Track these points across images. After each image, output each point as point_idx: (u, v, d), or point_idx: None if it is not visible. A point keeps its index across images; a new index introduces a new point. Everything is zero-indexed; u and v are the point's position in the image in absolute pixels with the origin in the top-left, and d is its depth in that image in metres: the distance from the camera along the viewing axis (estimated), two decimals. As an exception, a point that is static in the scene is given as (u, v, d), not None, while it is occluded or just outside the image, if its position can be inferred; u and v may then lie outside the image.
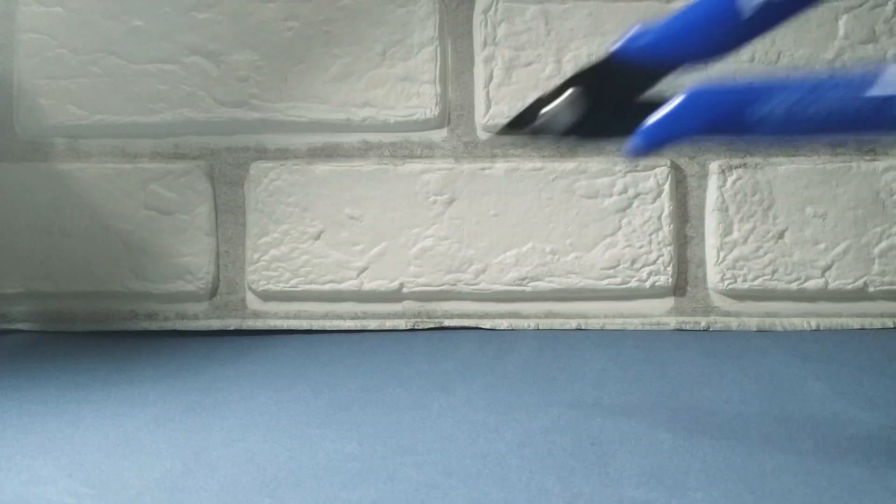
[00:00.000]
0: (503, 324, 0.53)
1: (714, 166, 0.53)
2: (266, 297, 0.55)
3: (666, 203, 0.53)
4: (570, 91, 0.24)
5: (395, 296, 0.54)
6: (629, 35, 0.24)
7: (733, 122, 0.22)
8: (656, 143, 0.23)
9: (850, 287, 0.53)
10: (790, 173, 0.53)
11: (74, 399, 0.29)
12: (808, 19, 0.53)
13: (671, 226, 0.53)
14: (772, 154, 0.53)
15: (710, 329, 0.53)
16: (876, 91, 0.22)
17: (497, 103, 0.54)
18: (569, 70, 0.53)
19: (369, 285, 0.54)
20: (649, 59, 0.23)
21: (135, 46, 0.54)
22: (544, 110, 0.24)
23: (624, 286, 0.53)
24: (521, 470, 0.26)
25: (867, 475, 0.25)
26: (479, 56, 0.54)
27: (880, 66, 0.21)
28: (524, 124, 0.24)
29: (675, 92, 0.23)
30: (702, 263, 0.54)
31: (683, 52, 0.23)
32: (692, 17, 0.23)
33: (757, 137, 0.22)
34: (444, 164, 0.54)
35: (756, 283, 0.53)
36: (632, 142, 0.23)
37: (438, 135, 0.54)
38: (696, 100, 0.23)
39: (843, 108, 0.22)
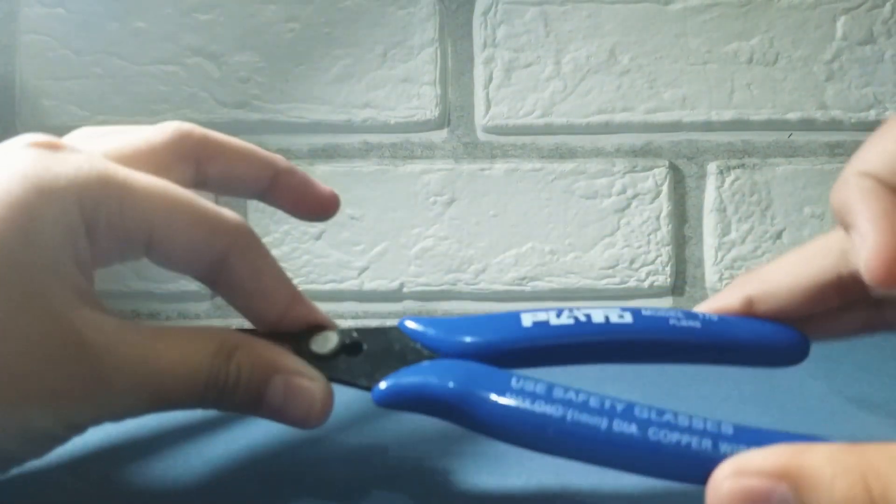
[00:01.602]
0: (503, 323, 0.54)
1: (712, 167, 0.53)
2: (267, 296, 0.55)
3: (664, 203, 0.53)
4: (321, 334, 0.23)
5: (395, 295, 0.54)
6: (420, 320, 0.24)
7: (478, 403, 0.21)
8: (395, 402, 0.22)
9: (847, 287, 0.53)
10: (788, 174, 0.53)
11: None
12: (806, 20, 0.53)
13: (669, 226, 0.53)
14: (770, 154, 0.53)
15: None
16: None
17: (497, 104, 0.54)
18: (568, 71, 0.53)
19: (370, 285, 0.54)
20: (428, 341, 0.23)
21: (137, 47, 0.55)
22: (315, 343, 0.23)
23: (622, 286, 0.53)
24: (520, 469, 0.26)
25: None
26: (479, 57, 0.54)
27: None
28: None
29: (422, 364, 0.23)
30: (700, 263, 0.54)
31: (463, 343, 0.23)
32: (476, 319, 0.24)
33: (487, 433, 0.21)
34: (444, 165, 0.54)
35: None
36: (376, 392, 0.22)
37: (438, 136, 0.54)
38: (438, 371, 0.22)
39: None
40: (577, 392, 0.21)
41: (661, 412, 0.20)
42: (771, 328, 0.25)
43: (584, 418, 0.20)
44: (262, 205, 0.55)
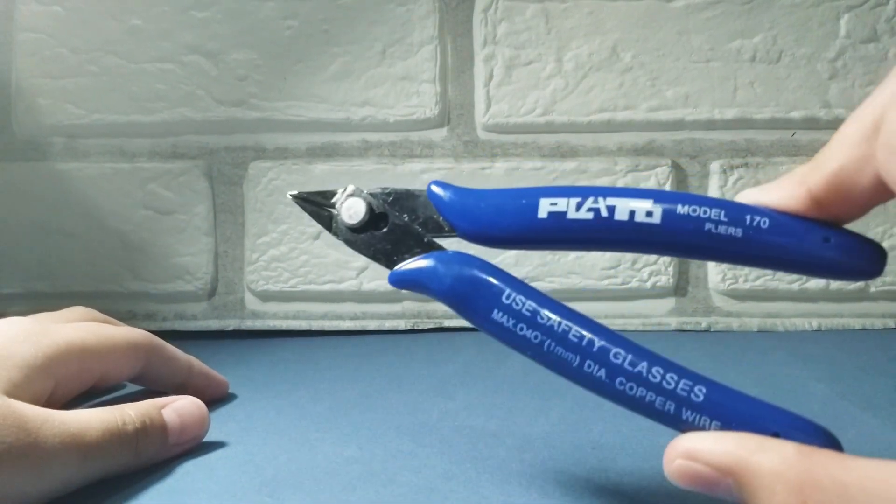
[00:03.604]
0: (503, 324, 0.53)
1: (715, 166, 0.53)
2: (265, 297, 0.54)
3: (667, 203, 0.53)
4: (352, 200, 0.25)
5: (394, 296, 0.54)
6: (438, 185, 0.25)
7: (469, 309, 0.23)
8: (403, 286, 0.24)
9: (851, 287, 0.52)
10: (791, 173, 0.53)
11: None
12: (809, 18, 0.52)
13: (672, 226, 0.53)
14: (773, 153, 0.53)
15: (711, 329, 0.53)
16: None
17: (497, 102, 0.53)
18: (570, 68, 0.53)
19: (369, 285, 0.54)
20: (448, 212, 0.24)
21: (133, 45, 0.54)
22: (335, 200, 0.25)
23: (625, 286, 0.53)
24: (521, 475, 0.26)
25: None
26: (480, 55, 0.54)
27: None
28: (312, 204, 0.26)
29: (435, 249, 0.24)
30: (703, 263, 0.53)
31: (480, 221, 0.24)
32: (497, 195, 0.24)
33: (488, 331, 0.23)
34: (443, 164, 0.54)
35: (757, 283, 0.53)
36: (390, 275, 0.24)
37: (438, 134, 0.54)
38: (442, 268, 0.23)
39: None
40: (562, 321, 0.22)
41: (636, 362, 0.21)
42: (837, 244, 0.21)
43: (559, 351, 0.21)
44: (259, 204, 0.54)
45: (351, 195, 0.25)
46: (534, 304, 0.22)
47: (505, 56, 0.53)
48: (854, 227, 0.21)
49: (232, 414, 0.34)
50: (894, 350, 0.47)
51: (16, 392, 0.24)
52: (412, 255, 0.24)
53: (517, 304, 0.22)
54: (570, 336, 0.21)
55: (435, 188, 0.24)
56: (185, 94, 0.54)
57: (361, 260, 0.54)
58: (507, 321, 0.22)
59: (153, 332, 0.34)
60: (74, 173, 0.55)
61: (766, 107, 0.53)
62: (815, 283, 0.52)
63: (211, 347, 0.49)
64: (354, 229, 0.25)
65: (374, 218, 0.25)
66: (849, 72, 0.53)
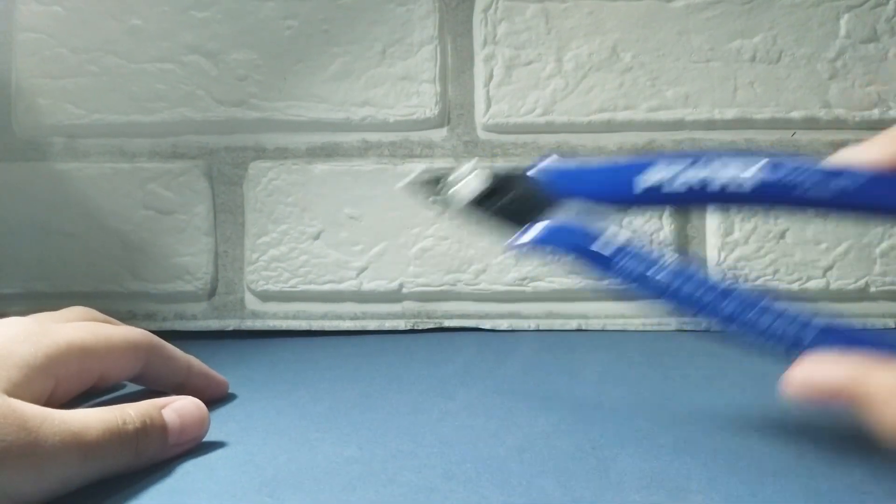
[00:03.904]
0: (503, 324, 0.53)
1: (715, 166, 0.53)
2: (265, 297, 0.54)
3: (667, 203, 0.53)
4: (475, 170, 0.28)
5: (394, 296, 0.54)
6: (545, 163, 0.28)
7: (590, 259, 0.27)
8: (529, 251, 0.28)
9: (851, 287, 0.52)
10: (791, 173, 0.53)
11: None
12: (809, 18, 0.52)
13: (672, 225, 0.53)
14: (773, 153, 0.53)
15: (712, 330, 0.53)
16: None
17: (497, 102, 0.53)
18: (570, 68, 0.53)
19: (369, 285, 0.54)
20: (555, 189, 0.28)
21: (133, 45, 0.54)
22: (451, 178, 0.29)
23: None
24: (521, 474, 0.26)
25: (868, 477, 0.25)
26: (480, 55, 0.54)
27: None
28: (430, 191, 0.29)
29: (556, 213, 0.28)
30: (703, 263, 0.53)
31: (583, 196, 0.28)
32: (597, 174, 0.28)
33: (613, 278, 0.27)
34: (444, 164, 0.54)
35: (758, 283, 0.53)
36: (511, 242, 0.28)
37: (438, 134, 0.54)
38: (557, 233, 0.27)
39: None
40: (683, 266, 0.25)
41: (759, 299, 0.25)
42: None
43: (688, 288, 0.25)
44: (259, 204, 0.55)
45: (469, 173, 0.28)
46: (651, 255, 0.26)
47: (505, 56, 0.53)
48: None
49: (232, 414, 0.34)
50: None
51: (16, 391, 0.24)
52: (526, 225, 0.28)
53: (634, 254, 0.26)
54: (695, 277, 0.25)
55: (541, 165, 0.28)
56: (185, 94, 0.54)
57: (361, 260, 0.54)
58: (633, 266, 0.26)
59: (153, 332, 0.33)
60: (74, 173, 0.55)
61: (766, 107, 0.53)
62: (815, 283, 0.52)
63: (211, 347, 0.49)
64: (474, 203, 0.28)
65: (490, 192, 0.28)
66: (849, 72, 0.53)
